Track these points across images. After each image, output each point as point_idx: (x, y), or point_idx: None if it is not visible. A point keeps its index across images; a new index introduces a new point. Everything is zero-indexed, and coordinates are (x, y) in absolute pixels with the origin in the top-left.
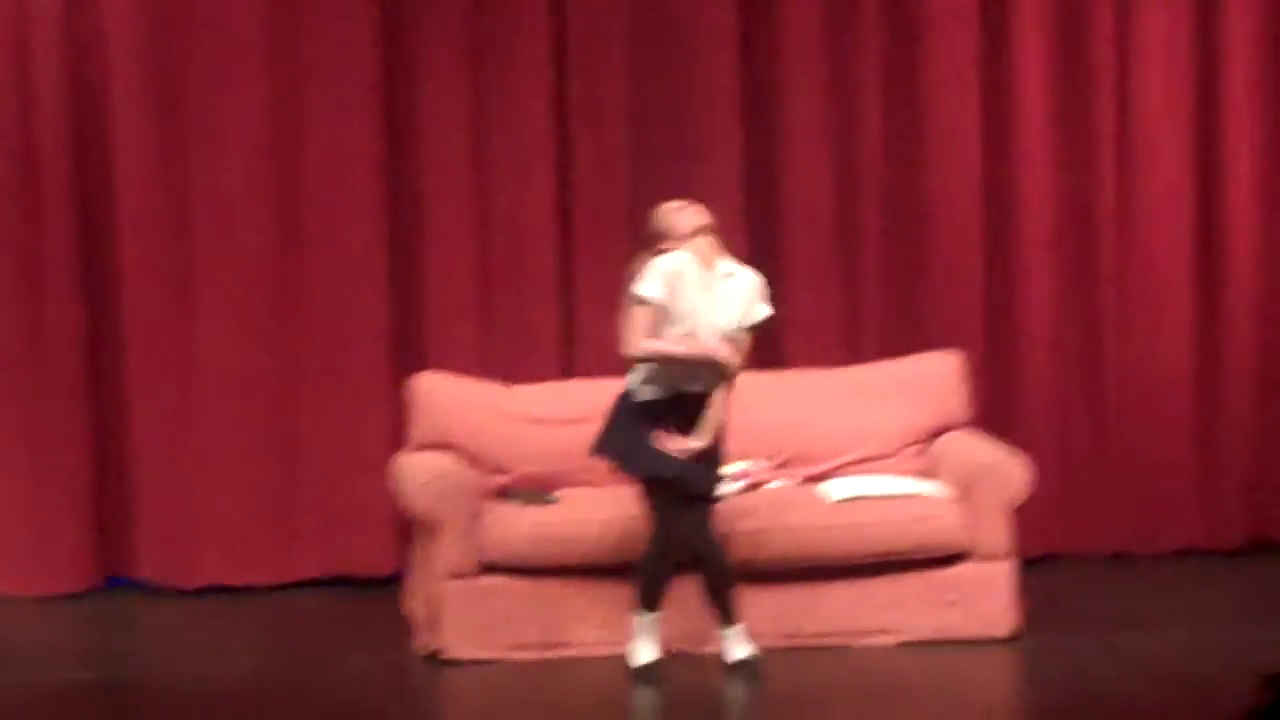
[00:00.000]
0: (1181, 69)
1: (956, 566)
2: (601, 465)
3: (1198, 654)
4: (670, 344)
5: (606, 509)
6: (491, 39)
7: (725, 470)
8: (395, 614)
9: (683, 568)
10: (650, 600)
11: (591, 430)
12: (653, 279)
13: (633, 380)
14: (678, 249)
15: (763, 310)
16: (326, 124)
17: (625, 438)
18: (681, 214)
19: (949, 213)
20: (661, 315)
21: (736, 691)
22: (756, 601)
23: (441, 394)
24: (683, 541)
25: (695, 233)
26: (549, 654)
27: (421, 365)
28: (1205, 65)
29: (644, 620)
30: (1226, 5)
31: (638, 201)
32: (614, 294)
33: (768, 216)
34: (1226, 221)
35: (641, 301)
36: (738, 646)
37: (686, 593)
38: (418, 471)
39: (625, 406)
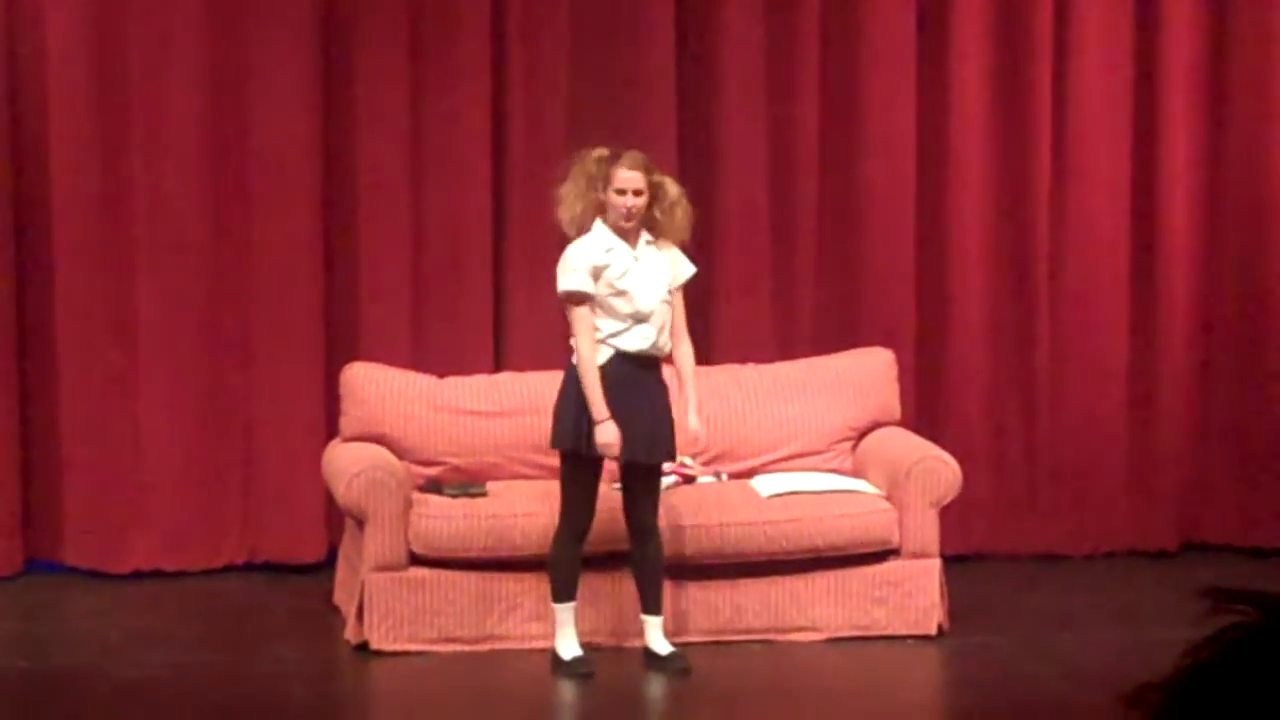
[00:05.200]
0: (1120, 65)
1: (885, 564)
2: (530, 458)
3: (1125, 655)
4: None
5: (535, 501)
6: (431, 33)
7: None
8: (324, 602)
9: (621, 557)
10: (559, 589)
11: (523, 423)
12: (579, 272)
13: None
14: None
15: (688, 269)
16: (265, 115)
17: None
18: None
19: (883, 211)
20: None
21: (663, 687)
22: (684, 597)
23: (372, 384)
24: (584, 529)
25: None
26: (477, 647)
27: (353, 355)
28: (1144, 59)
29: (558, 610)
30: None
31: None
32: (546, 289)
33: (703, 212)
34: (1162, 223)
35: (577, 298)
36: (660, 639)
37: (613, 587)
38: (347, 463)
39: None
